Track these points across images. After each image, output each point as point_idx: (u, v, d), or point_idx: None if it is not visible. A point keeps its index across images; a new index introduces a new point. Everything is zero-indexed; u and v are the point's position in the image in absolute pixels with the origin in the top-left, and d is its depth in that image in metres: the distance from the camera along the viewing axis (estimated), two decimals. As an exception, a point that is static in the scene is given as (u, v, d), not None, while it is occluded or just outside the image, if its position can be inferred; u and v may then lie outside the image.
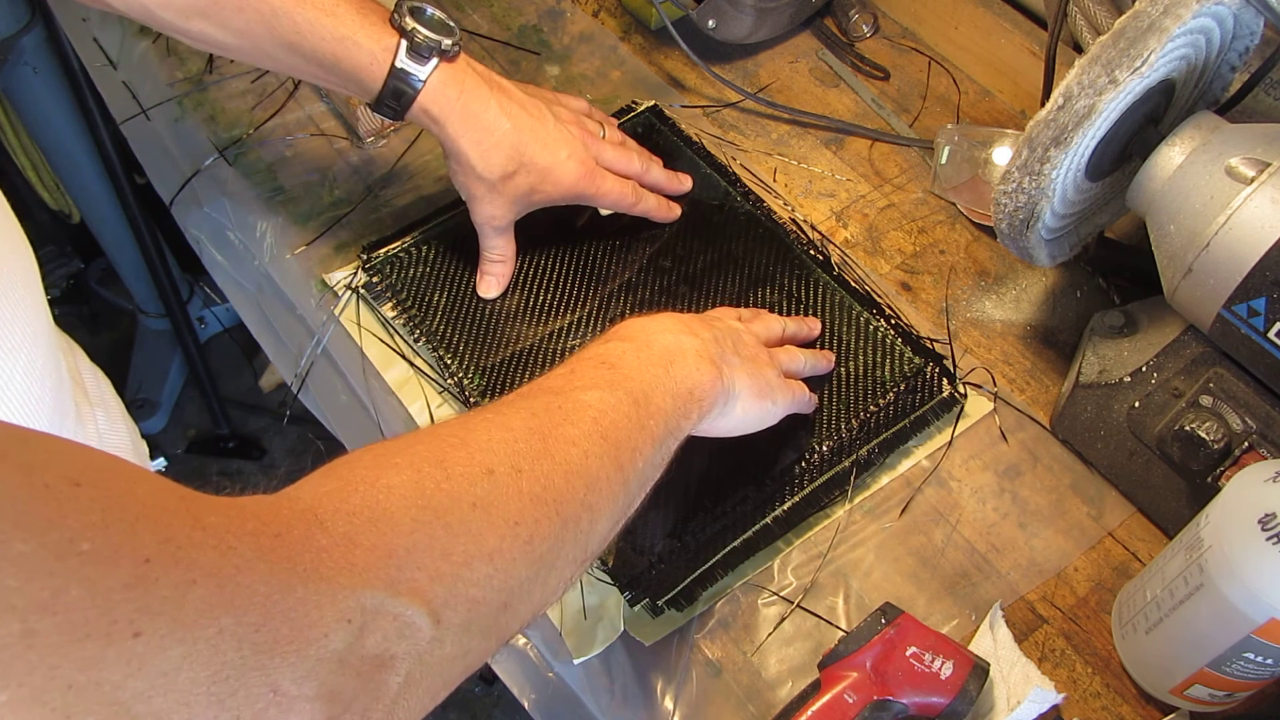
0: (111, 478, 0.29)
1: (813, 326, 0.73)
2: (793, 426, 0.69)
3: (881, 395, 0.70)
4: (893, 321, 0.74)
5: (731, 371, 0.58)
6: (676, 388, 0.53)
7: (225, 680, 0.28)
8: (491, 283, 0.75)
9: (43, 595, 0.25)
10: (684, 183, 0.81)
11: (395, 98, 0.65)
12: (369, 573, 0.34)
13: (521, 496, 0.42)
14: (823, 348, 0.73)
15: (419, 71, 0.65)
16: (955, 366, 0.74)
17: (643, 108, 0.88)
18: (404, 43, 0.64)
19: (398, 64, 0.64)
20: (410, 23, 0.64)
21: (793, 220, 0.81)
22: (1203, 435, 0.61)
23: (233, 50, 0.65)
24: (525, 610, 0.42)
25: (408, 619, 0.35)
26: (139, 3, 0.62)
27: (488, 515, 0.40)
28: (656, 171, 0.79)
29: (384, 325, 0.75)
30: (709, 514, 0.65)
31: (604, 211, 0.80)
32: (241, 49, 0.65)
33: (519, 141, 0.69)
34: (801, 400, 0.65)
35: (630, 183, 0.76)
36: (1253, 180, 0.57)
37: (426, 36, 0.64)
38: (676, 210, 0.80)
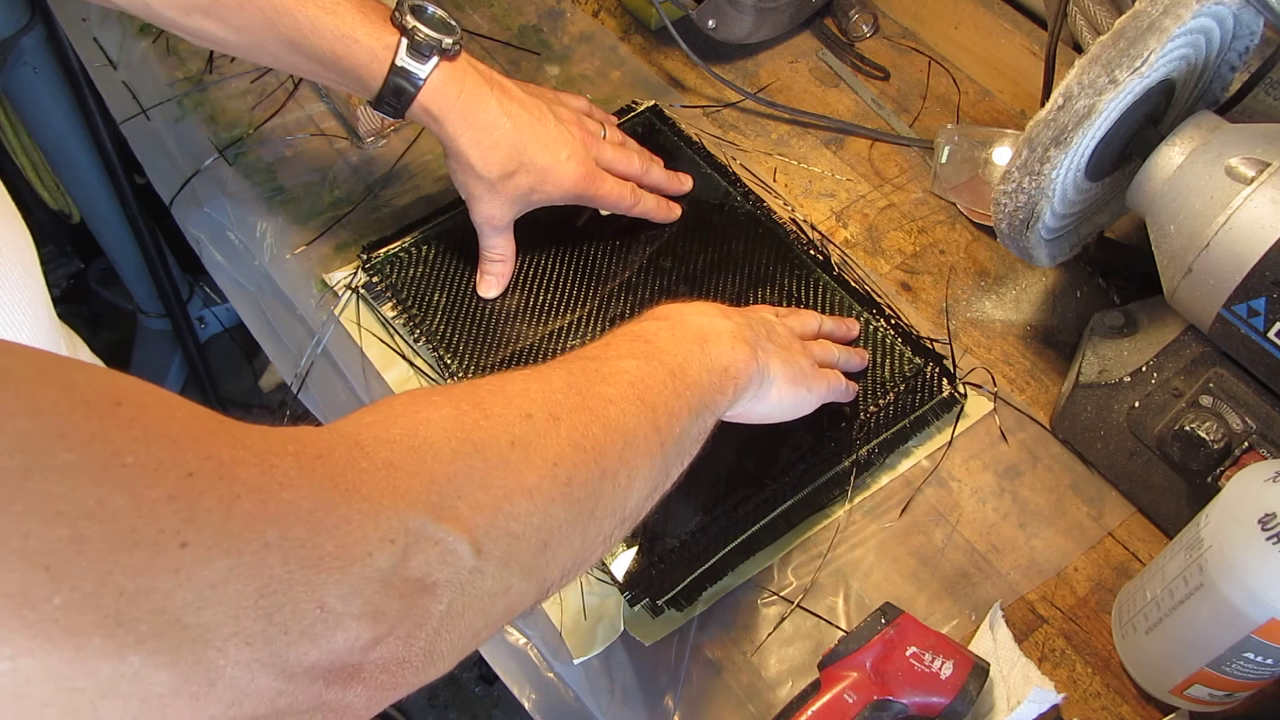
0: (151, 400, 0.29)
1: (851, 327, 0.73)
2: (793, 426, 0.69)
3: (881, 395, 0.70)
4: (893, 321, 0.74)
5: (766, 356, 0.58)
6: (712, 364, 0.53)
7: (272, 594, 0.29)
8: (491, 282, 0.75)
9: (88, 503, 0.25)
10: (684, 183, 0.81)
11: (396, 96, 0.65)
12: (411, 496, 0.35)
13: (560, 441, 0.42)
14: (823, 348, 0.73)
15: (419, 70, 0.65)
16: (955, 366, 0.74)
17: (643, 108, 0.88)
18: (404, 41, 0.64)
19: (398, 62, 0.64)
20: (411, 21, 0.64)
21: (793, 220, 0.81)
22: (1203, 435, 0.61)
23: (233, 47, 0.65)
24: (565, 555, 0.42)
25: (449, 545, 0.35)
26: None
27: (526, 454, 0.40)
28: (656, 172, 0.79)
29: (384, 325, 0.75)
30: (709, 514, 0.65)
31: (604, 211, 0.80)
32: (242, 46, 0.65)
33: (519, 141, 0.69)
34: (839, 389, 0.65)
35: (629, 184, 0.76)
36: (1253, 180, 0.57)
37: (427, 35, 0.64)
38: (676, 210, 0.80)
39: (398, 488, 0.34)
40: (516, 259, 0.77)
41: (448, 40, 0.65)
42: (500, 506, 0.38)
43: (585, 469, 0.42)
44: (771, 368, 0.58)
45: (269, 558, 0.29)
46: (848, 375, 0.68)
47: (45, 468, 0.25)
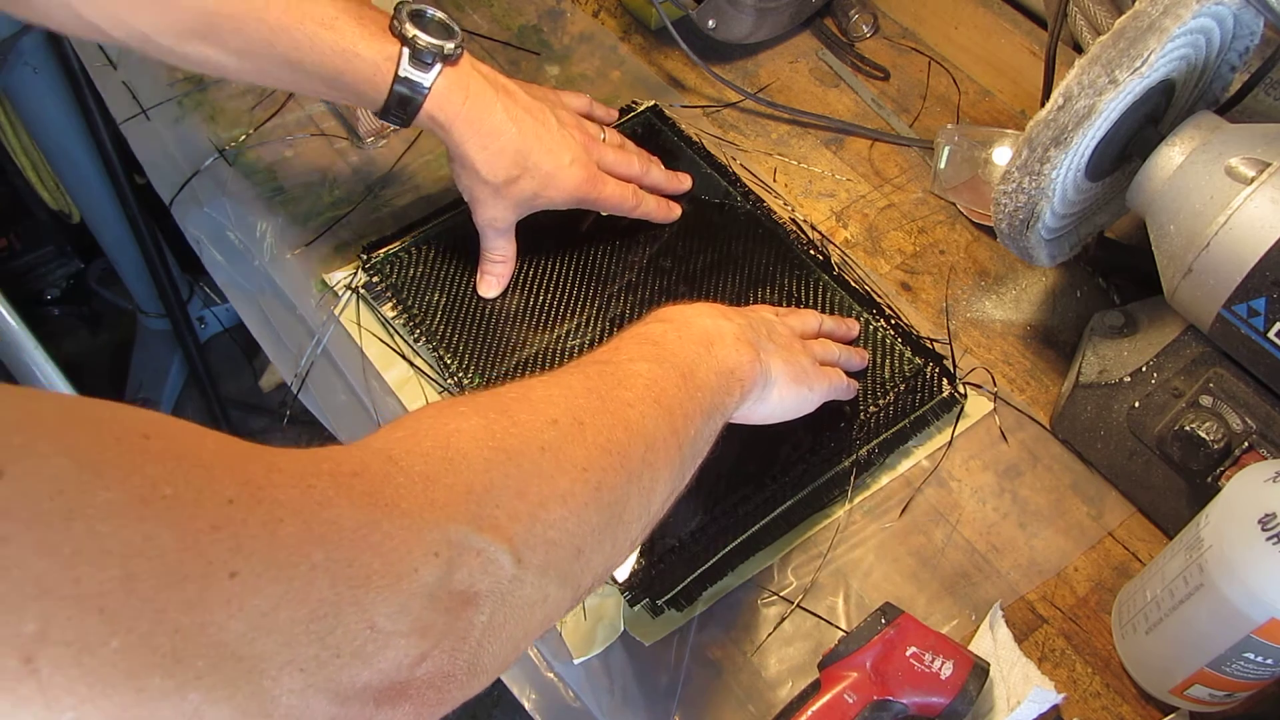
0: (178, 431, 0.29)
1: (851, 326, 0.73)
2: (793, 426, 0.69)
3: (881, 395, 0.70)
4: (893, 321, 0.74)
5: (768, 356, 0.58)
6: (719, 365, 0.54)
7: (323, 618, 0.28)
8: (492, 282, 0.75)
9: (135, 540, 0.25)
10: (683, 182, 0.81)
11: (401, 106, 0.65)
12: (451, 508, 0.34)
13: (587, 445, 0.42)
14: (823, 348, 0.73)
15: (423, 79, 0.64)
16: (955, 366, 0.74)
17: (643, 108, 0.88)
18: (406, 50, 0.63)
19: (401, 73, 0.64)
20: (411, 29, 0.63)
21: (793, 220, 0.81)
22: (1203, 435, 0.61)
23: (233, 71, 0.64)
24: (597, 560, 0.42)
25: (491, 555, 0.35)
26: (137, 31, 0.61)
27: (557, 459, 0.40)
28: (656, 172, 0.79)
29: (384, 325, 0.75)
30: (709, 514, 0.65)
31: (604, 211, 0.80)
32: (243, 70, 0.64)
33: (524, 147, 0.68)
34: (840, 387, 0.65)
35: (630, 186, 0.76)
36: (1253, 180, 0.57)
37: (428, 42, 0.64)
38: (677, 210, 0.80)
39: (436, 500, 0.34)
40: (517, 260, 0.77)
41: (449, 45, 0.64)
42: (536, 514, 0.38)
43: (613, 473, 0.43)
44: (774, 368, 0.58)
45: (317, 580, 0.29)
46: (848, 374, 0.68)
47: (87, 507, 0.25)
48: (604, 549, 0.42)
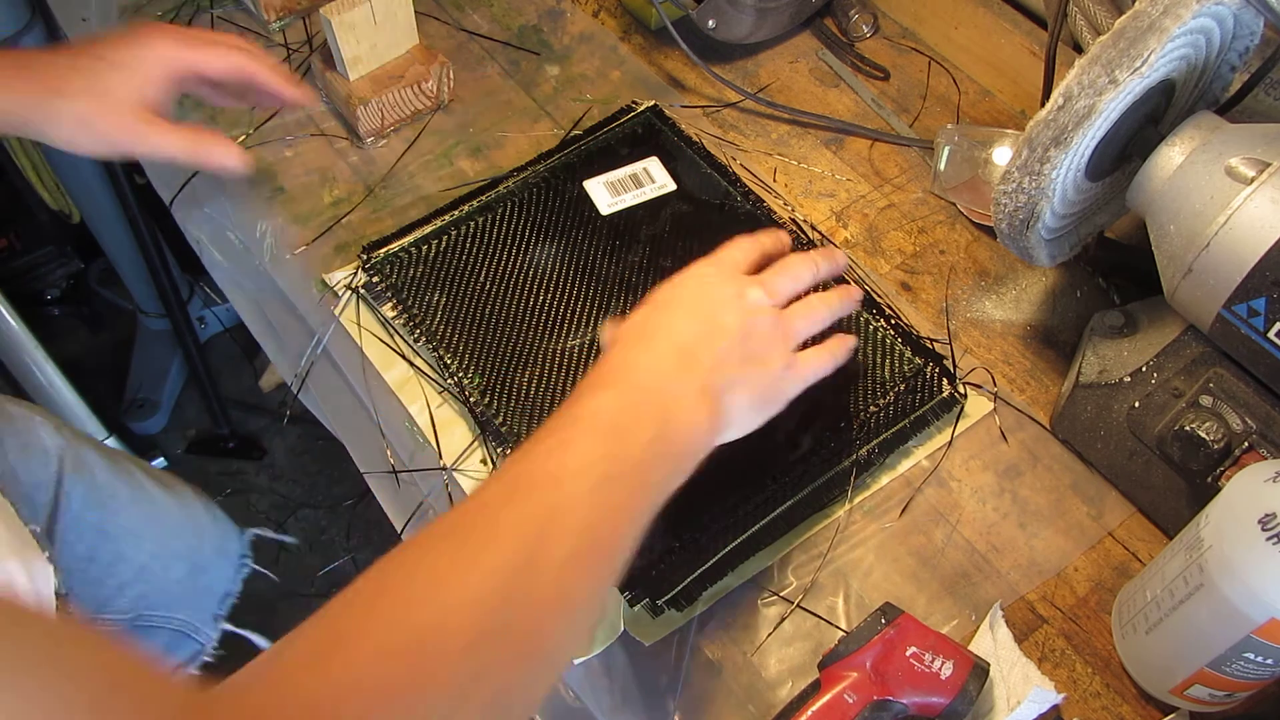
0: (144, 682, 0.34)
1: (836, 258, 0.65)
2: (793, 426, 0.69)
3: (881, 395, 0.70)
4: (893, 321, 0.74)
5: (731, 398, 0.55)
6: (669, 450, 0.51)
7: None
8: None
9: None
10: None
11: None
12: None
13: (502, 662, 0.41)
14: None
15: None
16: (955, 366, 0.74)
17: (643, 108, 0.88)
18: None
19: None
20: None
21: (793, 220, 0.81)
22: (1203, 435, 0.61)
23: None
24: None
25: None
26: None
27: (470, 692, 0.39)
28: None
29: (384, 325, 0.75)
30: (709, 514, 0.65)
31: (604, 211, 0.80)
32: None
33: None
34: (821, 371, 0.61)
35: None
36: (1253, 180, 0.57)
37: None
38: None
39: None
40: (517, 260, 0.77)
41: None
42: None
43: (526, 669, 0.42)
44: (734, 410, 0.55)
45: None
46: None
47: None
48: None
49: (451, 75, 0.88)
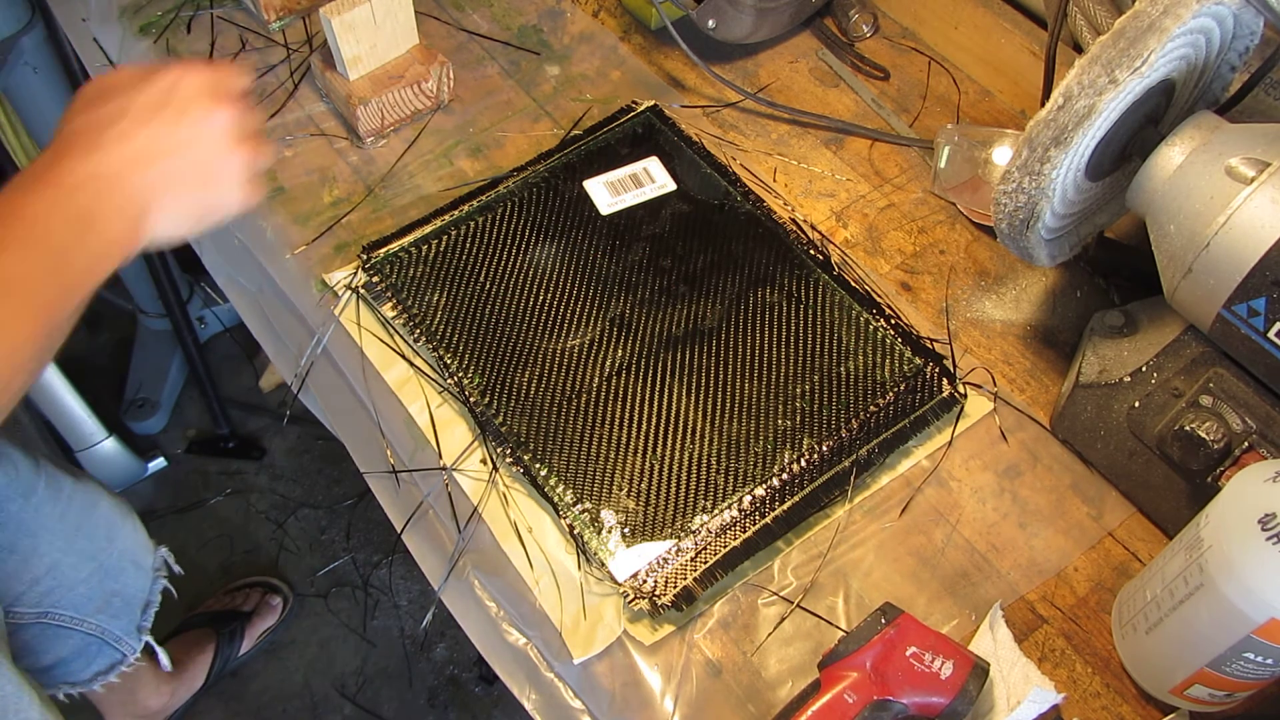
0: None
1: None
2: (793, 426, 0.69)
3: (881, 395, 0.70)
4: (893, 321, 0.74)
5: (160, 209, 0.55)
6: (96, 249, 0.53)
7: None
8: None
9: None
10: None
11: None
12: None
13: None
14: (823, 347, 0.73)
15: None
16: (955, 366, 0.74)
17: (643, 108, 0.88)
18: None
19: None
20: None
21: (793, 220, 0.81)
22: (1203, 435, 0.61)
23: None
24: None
25: None
26: None
27: None
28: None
29: (384, 325, 0.75)
30: (708, 514, 0.65)
31: (604, 211, 0.80)
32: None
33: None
34: (256, 163, 0.58)
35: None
36: (1253, 180, 0.57)
37: None
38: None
39: None
40: (517, 260, 0.77)
41: None
42: None
43: None
44: (163, 222, 0.55)
45: None
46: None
47: None
48: None
49: (451, 75, 0.88)
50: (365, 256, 0.77)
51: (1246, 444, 0.61)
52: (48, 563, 0.93)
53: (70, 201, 0.52)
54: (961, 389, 0.72)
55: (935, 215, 0.84)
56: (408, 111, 0.87)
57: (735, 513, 0.65)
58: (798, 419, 0.69)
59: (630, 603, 0.62)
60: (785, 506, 0.66)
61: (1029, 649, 0.63)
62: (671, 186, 0.82)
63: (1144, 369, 0.66)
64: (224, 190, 0.58)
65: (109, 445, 1.46)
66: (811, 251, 0.78)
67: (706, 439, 0.68)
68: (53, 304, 0.51)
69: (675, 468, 0.67)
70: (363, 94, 0.84)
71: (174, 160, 0.55)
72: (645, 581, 0.63)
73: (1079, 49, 0.76)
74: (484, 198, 0.81)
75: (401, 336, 0.74)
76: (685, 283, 0.77)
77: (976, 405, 0.72)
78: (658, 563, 0.63)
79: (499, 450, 0.69)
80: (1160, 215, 0.62)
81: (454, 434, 0.70)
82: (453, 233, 0.79)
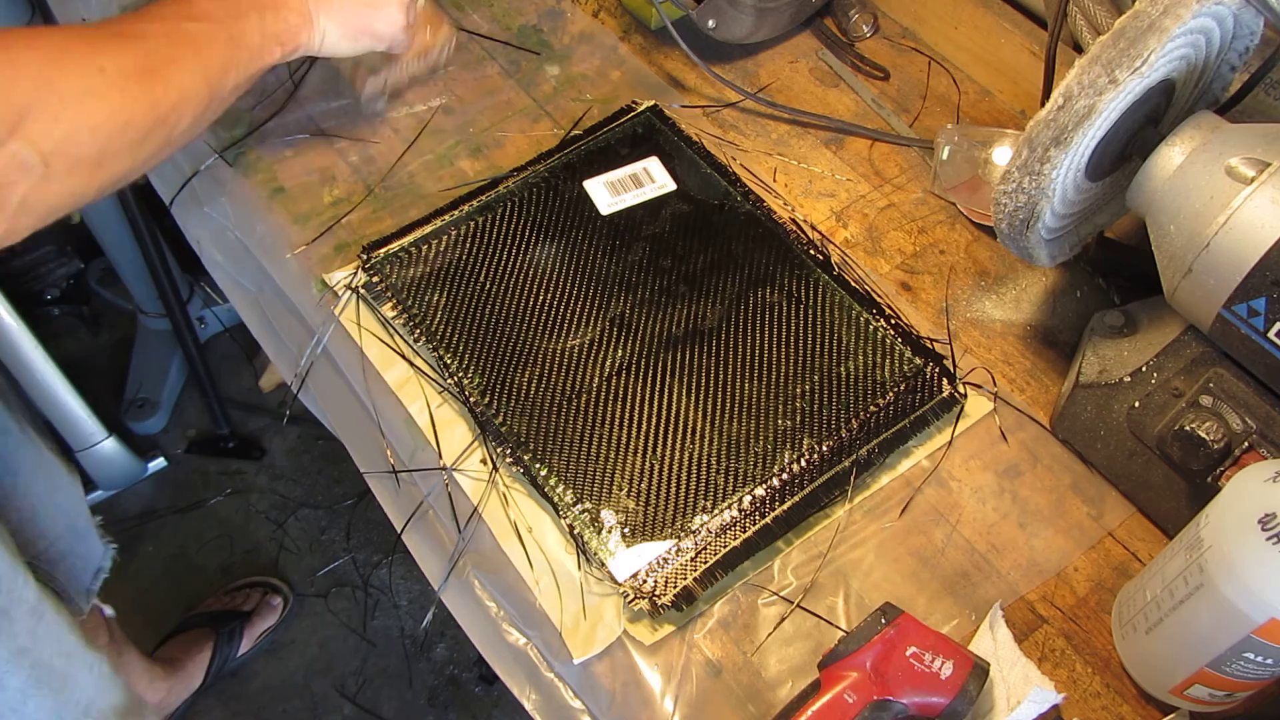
0: None
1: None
2: (793, 426, 0.69)
3: (881, 395, 0.70)
4: (893, 321, 0.74)
5: (326, 16, 0.69)
6: (266, 31, 0.65)
7: None
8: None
9: None
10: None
11: None
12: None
13: (125, 97, 0.56)
14: (823, 347, 0.73)
15: None
16: (955, 366, 0.74)
17: (643, 108, 0.88)
18: None
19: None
20: None
21: (793, 220, 0.81)
22: (1203, 435, 0.61)
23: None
24: (116, 168, 0.57)
25: (24, 158, 0.51)
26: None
27: (97, 101, 0.54)
28: None
29: (384, 325, 0.75)
30: (708, 514, 0.65)
31: (604, 211, 0.80)
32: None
33: None
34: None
35: None
36: (1253, 180, 0.57)
37: None
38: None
39: None
40: (518, 260, 0.77)
41: None
42: (69, 135, 0.53)
43: (142, 117, 0.57)
44: (329, 30, 0.70)
45: None
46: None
47: None
48: (121, 164, 0.58)
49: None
50: (365, 256, 0.77)
51: (1246, 444, 0.61)
52: (28, 507, 0.95)
53: None
54: (961, 389, 0.72)
55: (935, 215, 0.84)
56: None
57: (735, 513, 0.65)
58: (798, 419, 0.69)
59: (630, 603, 0.62)
60: (785, 506, 0.66)
61: (1029, 649, 0.63)
62: (671, 186, 0.82)
63: (1144, 369, 0.66)
64: (384, 15, 0.73)
65: (109, 445, 1.46)
66: (811, 251, 0.78)
67: (706, 439, 0.68)
68: (224, 70, 0.63)
69: (675, 468, 0.67)
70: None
71: (350, 12, 0.71)
72: (645, 581, 0.63)
73: (1079, 49, 0.76)
74: (484, 198, 0.81)
75: (401, 336, 0.74)
76: (685, 283, 0.77)
77: (976, 405, 0.72)
78: (658, 563, 0.63)
79: (499, 450, 0.69)
80: (1160, 215, 0.62)
81: (454, 434, 0.70)
82: (453, 233, 0.79)
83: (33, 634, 0.80)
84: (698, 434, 0.69)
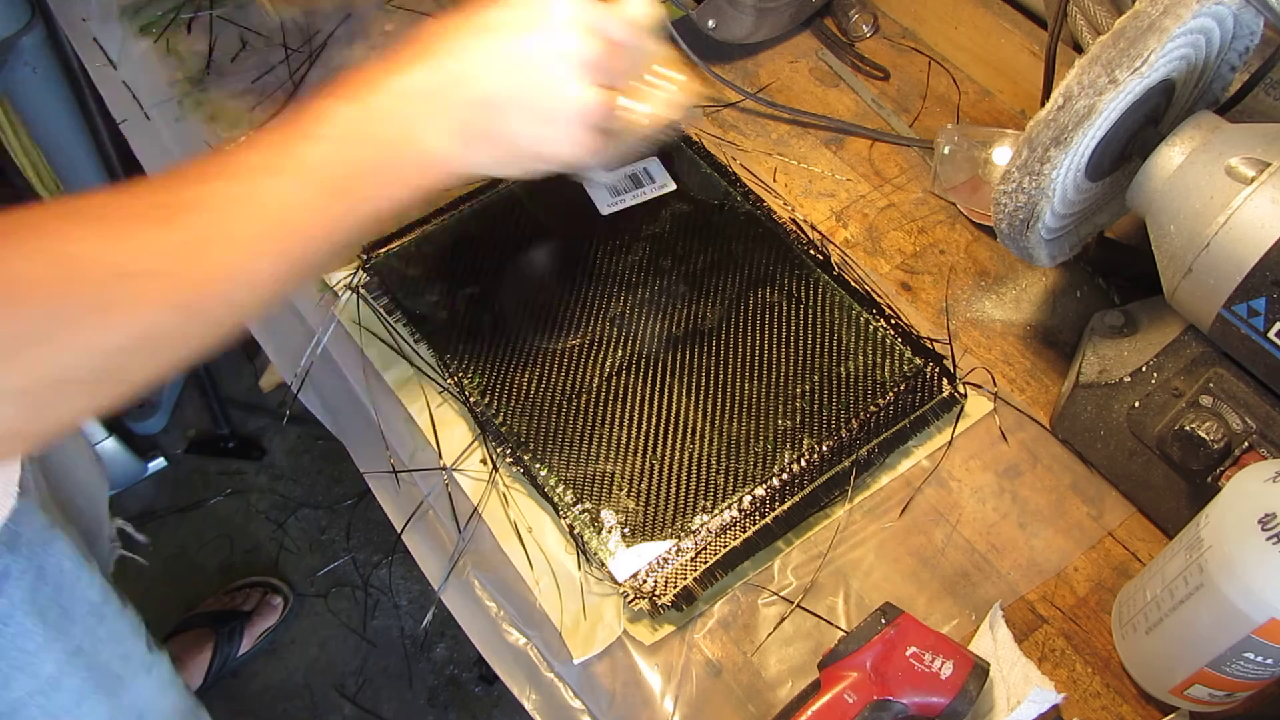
0: None
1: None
2: (793, 426, 0.69)
3: (881, 395, 0.70)
4: (893, 321, 0.74)
5: (481, 151, 0.48)
6: (401, 170, 0.47)
7: None
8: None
9: None
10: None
11: None
12: None
13: (155, 304, 0.41)
14: (823, 347, 0.73)
15: None
16: (955, 366, 0.74)
17: (643, 108, 0.88)
18: None
19: None
20: None
21: (793, 220, 0.81)
22: (1203, 435, 0.61)
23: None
24: (137, 376, 0.43)
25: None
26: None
27: (109, 317, 0.40)
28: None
29: (384, 325, 0.75)
30: (708, 514, 0.65)
31: (604, 210, 0.80)
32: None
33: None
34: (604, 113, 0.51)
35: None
36: (1253, 180, 0.57)
37: None
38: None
39: None
40: (518, 260, 0.77)
41: None
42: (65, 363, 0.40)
43: (173, 321, 0.42)
44: (484, 163, 0.49)
45: None
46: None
47: None
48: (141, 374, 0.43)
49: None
50: (365, 256, 0.77)
51: (1246, 444, 0.61)
52: (60, 466, 0.92)
53: (386, 124, 0.46)
54: (961, 389, 0.72)
55: (935, 215, 0.84)
56: None
57: (735, 513, 0.65)
58: (798, 419, 0.69)
59: (630, 603, 0.62)
60: (785, 506, 0.66)
61: (1029, 649, 0.63)
62: (671, 186, 0.82)
63: (1144, 369, 0.66)
64: (551, 135, 0.49)
65: (109, 445, 1.47)
66: (811, 251, 0.78)
67: (706, 439, 0.68)
68: (318, 236, 0.45)
69: (675, 468, 0.67)
70: None
71: (503, 78, 0.48)
72: (645, 581, 0.63)
73: (1079, 49, 0.76)
74: (484, 198, 0.81)
75: (401, 336, 0.74)
76: (685, 283, 0.77)
77: (976, 405, 0.72)
78: (658, 563, 0.63)
79: (499, 450, 0.69)
80: (1160, 215, 0.62)
81: (454, 434, 0.70)
82: (453, 233, 0.79)
83: (92, 635, 0.79)
84: (698, 434, 0.69)
